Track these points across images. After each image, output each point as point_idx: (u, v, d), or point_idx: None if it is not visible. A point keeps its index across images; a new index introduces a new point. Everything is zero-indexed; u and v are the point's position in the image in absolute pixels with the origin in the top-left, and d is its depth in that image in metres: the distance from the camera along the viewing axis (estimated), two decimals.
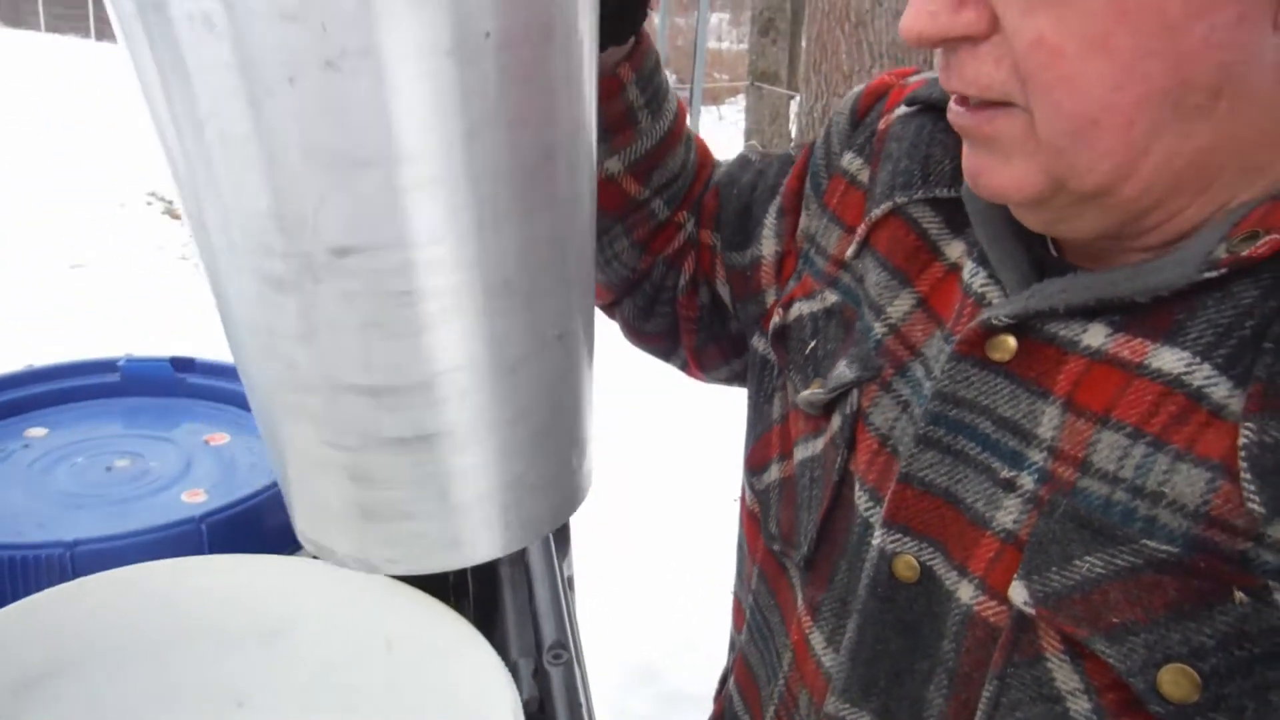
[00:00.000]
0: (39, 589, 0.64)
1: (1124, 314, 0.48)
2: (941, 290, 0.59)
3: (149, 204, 7.05)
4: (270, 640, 0.66)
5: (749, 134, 8.22)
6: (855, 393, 0.60)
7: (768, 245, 0.74)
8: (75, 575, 0.66)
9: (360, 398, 0.52)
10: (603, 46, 0.63)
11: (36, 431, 0.86)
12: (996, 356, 0.51)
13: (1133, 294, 0.47)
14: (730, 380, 0.85)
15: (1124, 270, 0.49)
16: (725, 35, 21.70)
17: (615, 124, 0.73)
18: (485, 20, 0.45)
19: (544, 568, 0.91)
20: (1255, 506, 0.42)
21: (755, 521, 0.69)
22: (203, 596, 0.65)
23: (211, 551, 0.71)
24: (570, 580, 1.02)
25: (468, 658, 0.62)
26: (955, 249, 0.59)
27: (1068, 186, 0.47)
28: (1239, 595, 0.42)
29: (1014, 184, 0.49)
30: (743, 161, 0.80)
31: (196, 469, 0.82)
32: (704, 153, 0.83)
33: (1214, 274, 0.45)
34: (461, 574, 1.00)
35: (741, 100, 10.74)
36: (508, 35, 0.46)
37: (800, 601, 0.63)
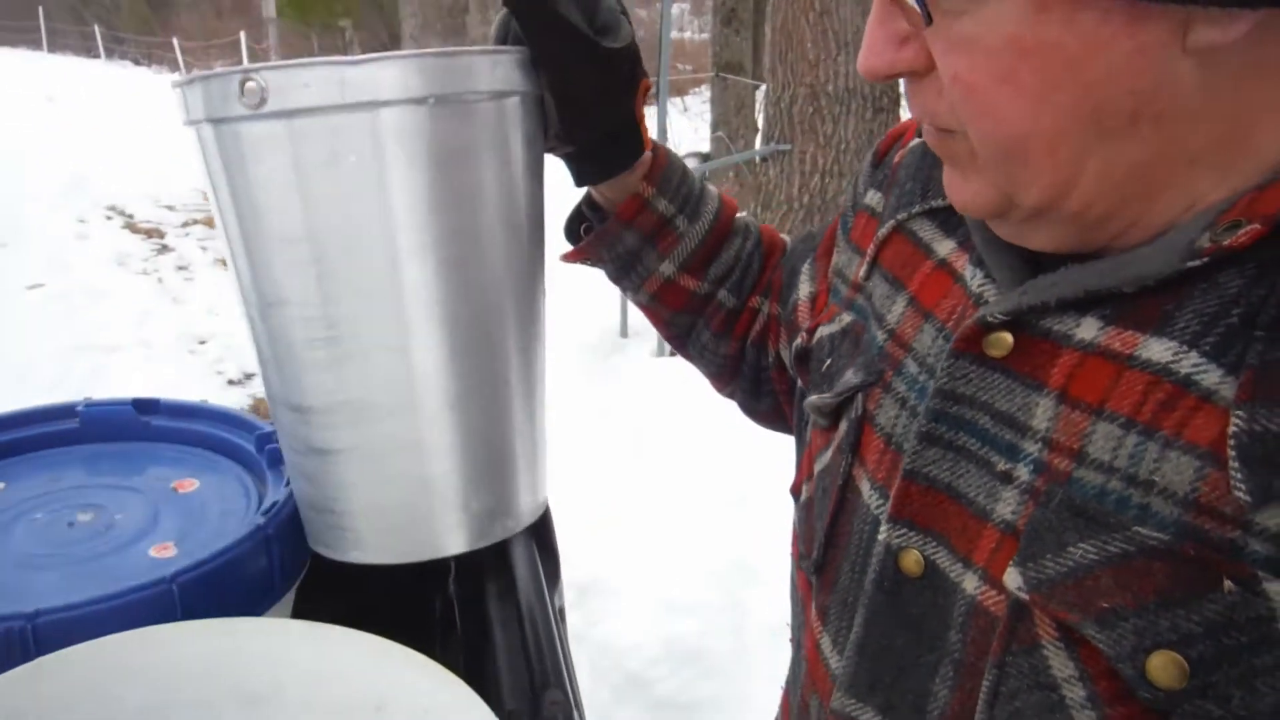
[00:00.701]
0: None
1: (1116, 307, 0.49)
2: (929, 285, 0.62)
3: (109, 218, 6.92)
4: (252, 707, 0.62)
5: (715, 125, 8.19)
6: (860, 397, 0.63)
7: (804, 288, 0.79)
8: (37, 648, 0.62)
9: (294, 413, 0.71)
10: (606, 173, 0.78)
11: None
12: (994, 353, 0.53)
13: (1119, 284, 0.49)
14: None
15: (1110, 261, 0.50)
16: (688, 26, 21.65)
17: (655, 232, 0.81)
18: (401, 146, 0.64)
19: (536, 602, 0.87)
20: (1242, 494, 0.42)
21: (795, 548, 0.71)
22: (177, 667, 0.61)
23: (184, 612, 0.67)
24: (562, 611, 0.99)
25: (463, 718, 0.58)
26: (945, 247, 0.63)
27: (1017, 203, 0.50)
28: (1228, 584, 0.42)
29: (973, 198, 0.53)
30: (805, 235, 0.85)
31: (165, 520, 0.78)
32: (772, 239, 0.89)
33: (1197, 263, 0.46)
34: (448, 614, 0.97)
35: (706, 91, 10.71)
36: (420, 157, 0.65)
37: (813, 609, 0.65)
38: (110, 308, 5.17)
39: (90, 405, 0.89)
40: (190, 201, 7.64)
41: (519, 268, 0.72)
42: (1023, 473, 0.50)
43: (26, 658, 0.60)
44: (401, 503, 0.72)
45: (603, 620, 2.51)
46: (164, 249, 6.34)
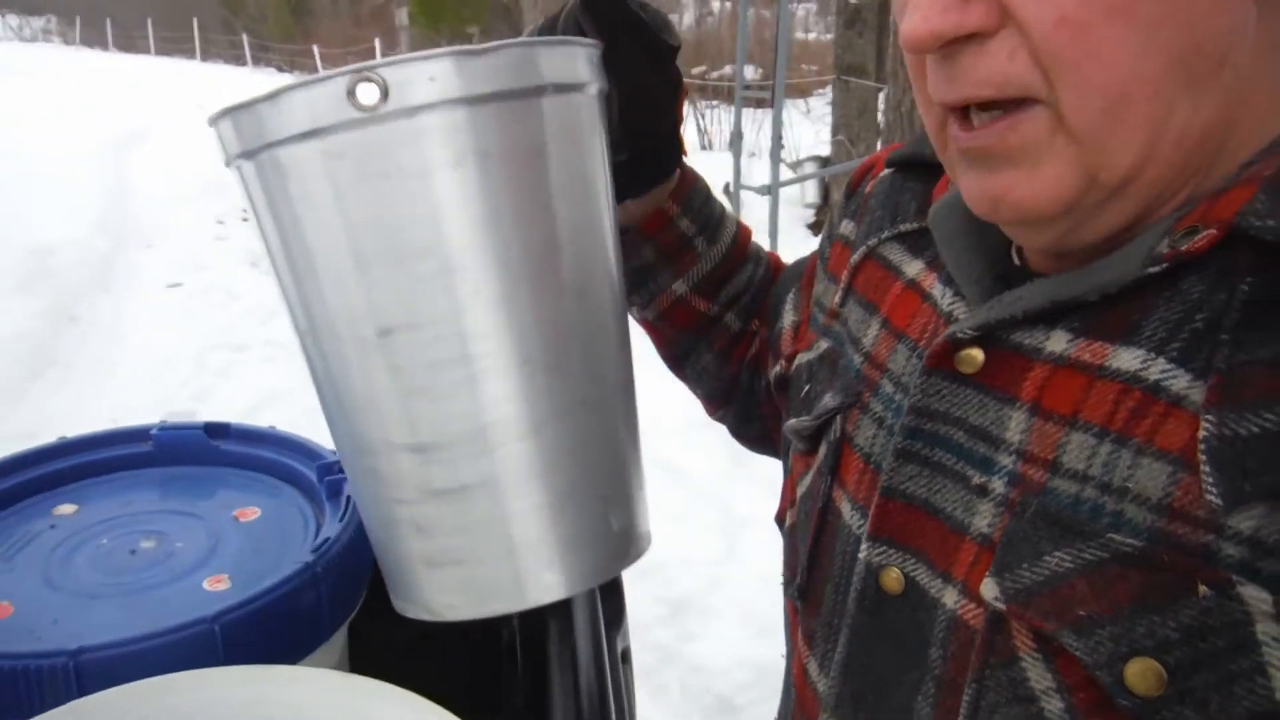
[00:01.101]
0: (41, 702, 0.60)
1: (1084, 320, 0.49)
2: (901, 306, 0.63)
3: (244, 220, 7.25)
4: None
5: (836, 128, 8.04)
6: (839, 420, 0.63)
7: (787, 317, 0.80)
8: (79, 687, 0.62)
9: (413, 455, 0.62)
10: (645, 185, 0.77)
11: (65, 509, 0.83)
12: (965, 369, 0.53)
13: (1084, 294, 0.49)
14: None
15: (1074, 272, 0.50)
16: (812, 26, 21.39)
17: (674, 251, 0.81)
18: (479, 143, 0.57)
19: (590, 649, 0.85)
20: (1213, 498, 0.42)
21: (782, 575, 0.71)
22: (208, 715, 0.60)
23: (227, 651, 0.66)
24: (626, 653, 0.96)
25: None
26: (914, 268, 0.64)
27: (1099, 180, 0.47)
28: (1202, 588, 0.42)
29: (1049, 191, 0.48)
30: (796, 263, 0.86)
31: (223, 550, 0.78)
32: (778, 266, 0.89)
33: (1157, 269, 0.46)
34: (512, 646, 0.95)
35: (829, 93, 10.54)
36: (500, 155, 0.57)
37: (800, 634, 0.65)
38: (241, 307, 5.41)
39: (164, 429, 0.90)
40: None
41: (615, 260, 0.68)
42: (998, 485, 0.51)
43: (69, 695, 0.61)
44: (548, 533, 0.64)
45: (696, 639, 2.47)
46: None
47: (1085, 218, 0.49)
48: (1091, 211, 0.49)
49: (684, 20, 21.44)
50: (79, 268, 5.52)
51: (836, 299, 0.70)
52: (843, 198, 0.77)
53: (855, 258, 0.70)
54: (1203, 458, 0.43)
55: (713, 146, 12.19)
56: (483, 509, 0.63)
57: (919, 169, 0.68)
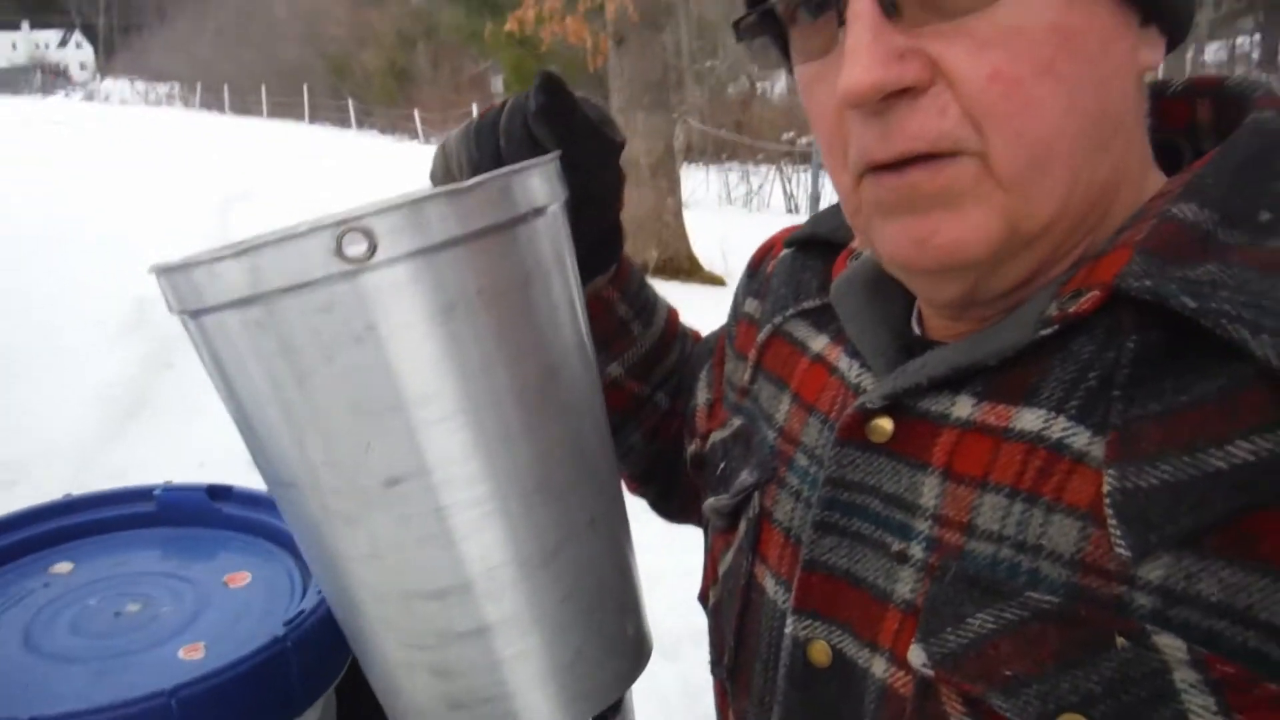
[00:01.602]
0: None
1: (986, 384, 0.51)
2: (809, 380, 0.64)
3: None
4: None
5: None
6: (757, 496, 0.64)
7: (701, 394, 0.80)
8: None
9: (430, 601, 0.59)
10: (589, 275, 0.74)
11: (62, 567, 0.83)
12: (877, 439, 0.54)
13: (984, 359, 0.50)
14: None
15: (972, 337, 0.52)
16: None
17: (611, 336, 0.81)
18: (470, 285, 0.54)
19: None
20: (1122, 550, 0.44)
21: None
22: None
23: None
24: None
25: None
26: (819, 343, 0.65)
27: (1020, 229, 0.49)
28: (1120, 640, 0.43)
29: (974, 234, 0.49)
30: (707, 338, 0.88)
31: (206, 616, 0.77)
32: (697, 342, 0.90)
33: (1049, 331, 0.48)
34: None
35: None
36: (492, 292, 0.55)
37: (732, 716, 0.66)
38: None
39: (167, 490, 0.90)
40: None
41: (596, 368, 0.67)
42: (917, 551, 0.51)
43: None
44: (578, 654, 0.63)
45: None
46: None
47: (999, 267, 0.51)
48: (1005, 261, 0.51)
49: (775, 88, 21.65)
50: (175, 319, 5.75)
51: (746, 376, 0.72)
52: (744, 277, 0.79)
53: (762, 335, 0.71)
54: (1109, 512, 0.44)
55: (799, 210, 12.20)
56: (510, 645, 0.61)
57: (817, 247, 0.71)
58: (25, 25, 77.64)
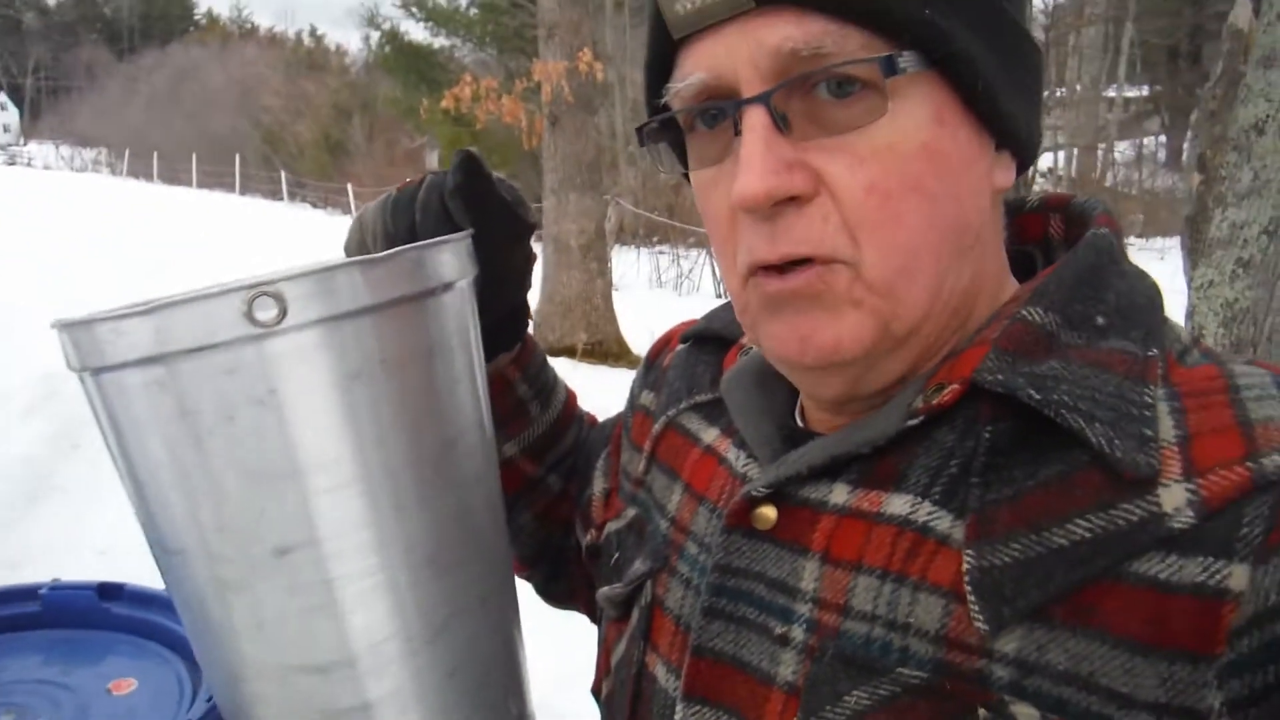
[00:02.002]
0: None
1: (860, 472, 0.54)
2: (700, 470, 0.67)
3: None
4: None
5: None
6: (649, 585, 0.66)
7: (598, 483, 0.82)
8: None
9: (312, 676, 0.58)
10: (492, 353, 0.74)
11: None
12: (761, 526, 0.57)
13: (857, 447, 0.54)
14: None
15: (847, 428, 0.56)
16: None
17: (508, 415, 0.81)
18: (375, 354, 0.55)
19: None
20: (981, 624, 0.47)
21: None
22: None
23: None
24: None
25: None
26: (710, 435, 0.68)
27: (891, 330, 0.53)
28: (981, 712, 0.47)
29: (849, 335, 0.53)
30: (602, 424, 0.90)
31: None
32: (594, 425, 0.92)
33: (915, 422, 0.52)
34: None
35: None
36: (396, 362, 0.56)
37: None
38: None
39: (54, 589, 0.87)
40: None
41: (493, 444, 0.68)
42: (798, 633, 0.54)
43: None
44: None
45: None
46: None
47: (874, 365, 0.55)
48: (880, 359, 0.55)
49: None
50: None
51: (641, 467, 0.74)
52: (641, 369, 0.82)
53: (656, 428, 0.74)
54: (968, 589, 0.48)
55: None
56: (411, 708, 0.60)
57: (711, 342, 0.74)
58: None
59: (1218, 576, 0.44)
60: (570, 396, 0.88)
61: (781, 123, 0.51)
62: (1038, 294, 0.54)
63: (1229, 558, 0.44)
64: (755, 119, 0.51)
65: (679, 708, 0.58)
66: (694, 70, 0.53)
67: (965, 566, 0.48)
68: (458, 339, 0.62)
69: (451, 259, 0.61)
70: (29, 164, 42.71)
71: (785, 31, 0.50)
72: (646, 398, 0.79)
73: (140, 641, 0.85)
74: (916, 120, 0.51)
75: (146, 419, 0.54)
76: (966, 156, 0.53)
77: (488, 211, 0.67)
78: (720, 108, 0.53)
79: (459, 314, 0.62)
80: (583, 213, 8.10)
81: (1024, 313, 0.53)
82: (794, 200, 0.51)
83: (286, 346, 0.53)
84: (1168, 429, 0.48)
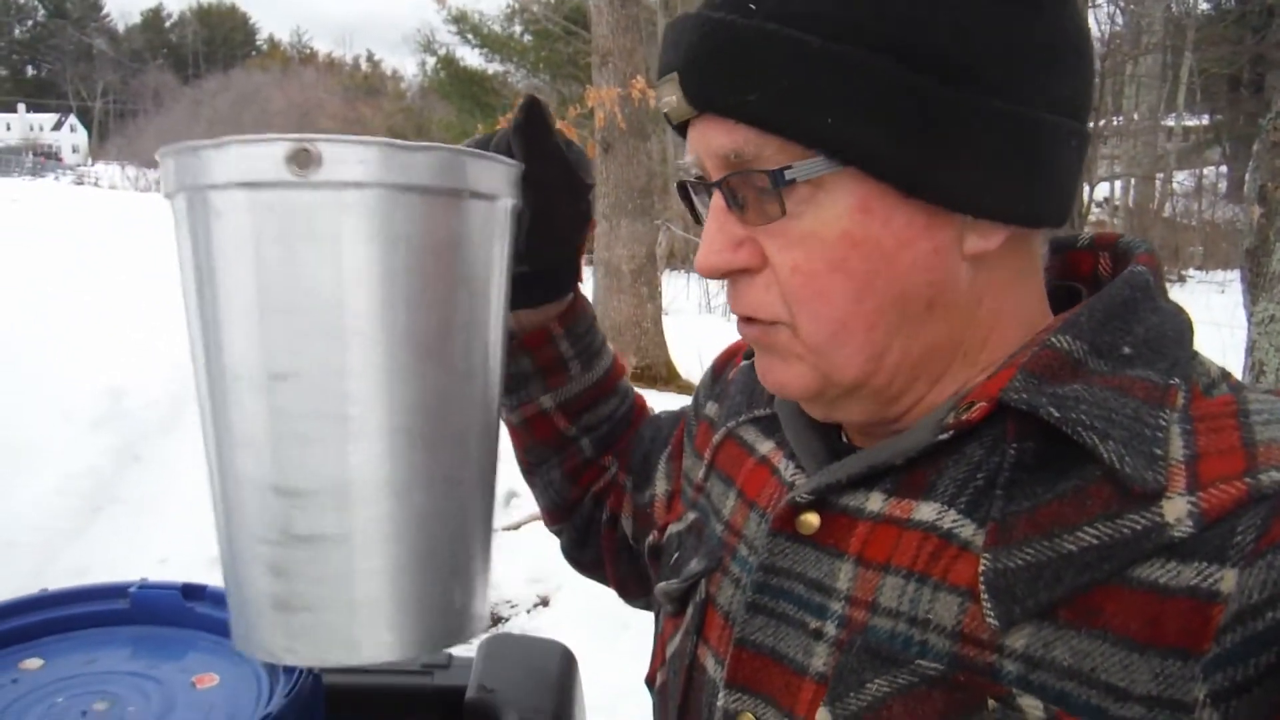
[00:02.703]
0: None
1: (895, 482, 0.60)
2: (753, 479, 0.73)
3: None
4: None
5: None
6: (704, 583, 0.72)
7: (660, 485, 0.89)
8: None
9: (279, 497, 0.64)
10: (539, 300, 0.84)
11: (32, 663, 0.84)
12: (804, 531, 0.62)
13: (891, 459, 0.59)
14: (651, 608, 0.92)
15: (885, 442, 0.62)
16: None
17: (548, 367, 0.88)
18: (399, 227, 0.62)
19: None
20: (992, 621, 0.52)
21: None
22: None
23: None
24: None
25: None
26: (765, 446, 0.74)
27: (833, 380, 0.60)
28: (991, 703, 0.51)
29: (792, 380, 0.62)
30: (653, 418, 0.97)
31: (173, 717, 0.78)
32: (641, 408, 0.98)
33: (945, 436, 0.57)
34: None
35: None
36: (413, 240, 0.63)
37: None
38: None
39: (143, 588, 0.92)
40: None
41: (497, 359, 0.73)
42: (830, 628, 0.59)
43: None
44: (392, 595, 0.66)
45: None
46: None
47: (834, 404, 0.63)
48: (836, 401, 0.62)
49: None
50: (148, 410, 5.71)
51: (701, 474, 0.80)
52: (706, 380, 0.88)
53: (717, 438, 0.80)
54: (983, 588, 0.52)
55: None
56: (336, 561, 0.65)
57: None
58: (22, 107, 78.68)
59: (1211, 580, 0.48)
60: (618, 368, 0.94)
61: (737, 205, 0.60)
62: (1069, 324, 0.59)
63: (1222, 563, 0.48)
64: (714, 201, 0.61)
65: (721, 694, 0.64)
66: (689, 153, 0.63)
67: (982, 568, 0.53)
68: (481, 249, 0.68)
69: (484, 173, 0.67)
70: (95, 184, 43.99)
71: (719, 139, 0.59)
72: (710, 409, 0.84)
73: (221, 640, 0.89)
74: (836, 211, 0.57)
75: (194, 239, 0.64)
76: (903, 237, 0.57)
77: (543, 155, 0.74)
78: (696, 187, 0.65)
79: (484, 225, 0.68)
80: (634, 238, 8.16)
81: (1053, 340, 0.58)
82: (746, 271, 0.60)
83: (317, 198, 0.61)
84: (1177, 449, 0.52)
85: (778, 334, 0.61)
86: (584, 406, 0.91)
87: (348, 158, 0.61)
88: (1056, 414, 0.53)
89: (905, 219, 0.57)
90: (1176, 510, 0.50)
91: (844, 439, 0.69)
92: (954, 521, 0.56)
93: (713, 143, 0.59)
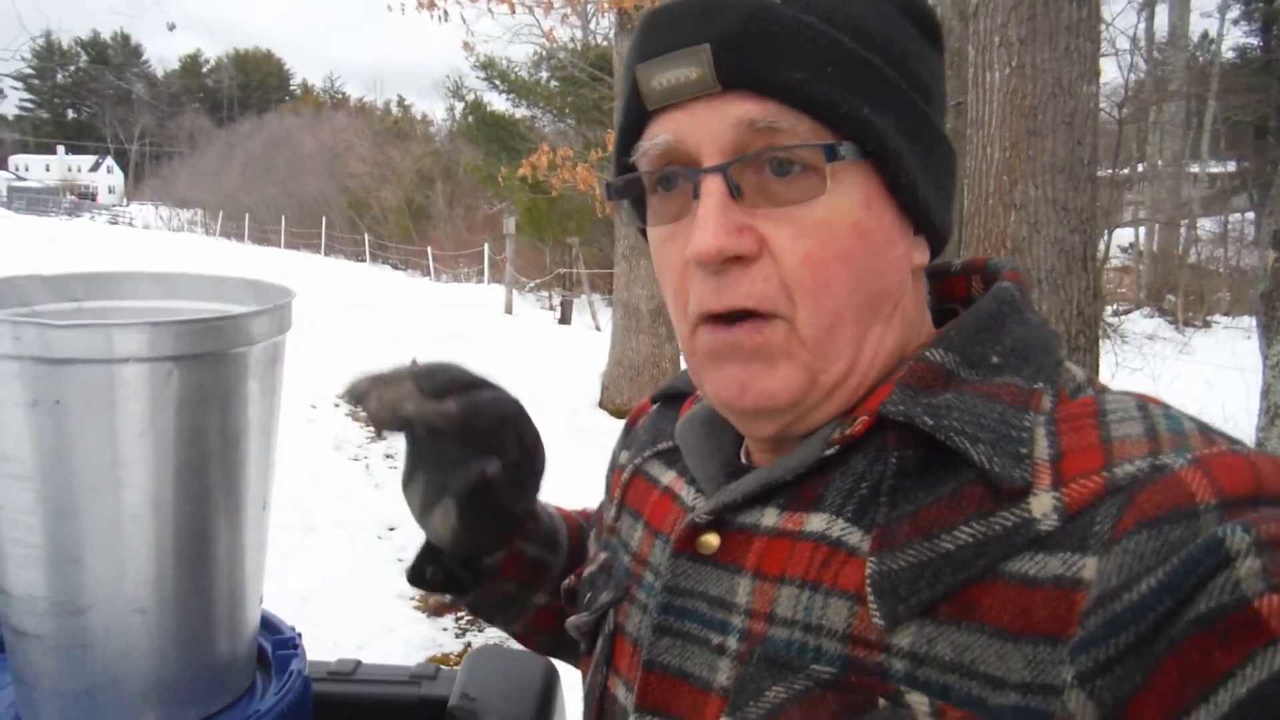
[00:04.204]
0: None
1: (787, 497, 0.62)
2: (658, 509, 0.75)
3: (336, 405, 7.56)
4: None
5: None
6: (612, 613, 0.74)
7: (591, 549, 0.89)
8: None
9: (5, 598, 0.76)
10: (508, 541, 0.85)
11: None
12: (705, 551, 0.64)
13: (783, 475, 0.62)
14: None
15: (776, 461, 0.64)
16: None
17: (529, 576, 0.88)
18: (54, 391, 0.70)
19: None
20: (878, 621, 0.54)
21: None
22: None
23: None
24: None
25: None
26: (668, 477, 0.77)
27: (819, 381, 0.61)
28: (881, 701, 0.53)
29: (782, 384, 0.61)
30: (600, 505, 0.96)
31: None
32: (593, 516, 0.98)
33: (831, 451, 0.61)
34: None
35: None
36: (70, 403, 0.70)
37: None
38: (320, 489, 5.54)
39: None
40: None
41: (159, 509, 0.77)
42: (732, 643, 0.61)
43: None
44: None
45: None
46: (377, 436, 6.81)
47: (804, 414, 0.63)
48: (808, 410, 0.63)
49: None
50: None
51: (612, 514, 0.82)
52: (621, 435, 0.91)
53: (625, 476, 0.82)
54: (869, 590, 0.55)
55: None
56: (43, 659, 0.76)
57: (676, 400, 0.83)
58: (61, 149, 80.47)
59: (1074, 568, 0.50)
60: (570, 522, 0.95)
61: (735, 191, 0.59)
62: (941, 338, 0.63)
63: (1084, 552, 0.51)
64: (713, 185, 0.59)
65: (632, 718, 0.65)
66: (661, 133, 0.62)
67: (868, 571, 0.55)
68: (120, 408, 0.72)
69: (140, 337, 0.72)
70: (130, 223, 44.81)
71: (745, 107, 0.59)
72: (623, 457, 0.86)
73: None
74: (849, 201, 0.59)
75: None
76: (889, 237, 0.61)
77: (497, 427, 0.74)
78: (681, 174, 0.62)
79: (128, 386, 0.73)
80: (652, 278, 8.22)
81: (927, 354, 0.62)
82: (740, 259, 0.59)
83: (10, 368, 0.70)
84: (1043, 449, 0.56)
85: (773, 331, 0.60)
86: (568, 572, 0.89)
87: (2, 334, 0.68)
88: (930, 422, 0.57)
89: (892, 219, 0.62)
90: (1043, 506, 0.53)
91: (744, 461, 0.71)
92: (842, 530, 0.58)
93: (731, 113, 0.59)
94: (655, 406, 0.86)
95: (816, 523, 0.60)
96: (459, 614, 4.10)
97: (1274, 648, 0.43)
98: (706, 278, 0.60)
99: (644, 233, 0.68)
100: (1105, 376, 6.59)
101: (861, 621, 0.55)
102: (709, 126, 0.60)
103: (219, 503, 0.76)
